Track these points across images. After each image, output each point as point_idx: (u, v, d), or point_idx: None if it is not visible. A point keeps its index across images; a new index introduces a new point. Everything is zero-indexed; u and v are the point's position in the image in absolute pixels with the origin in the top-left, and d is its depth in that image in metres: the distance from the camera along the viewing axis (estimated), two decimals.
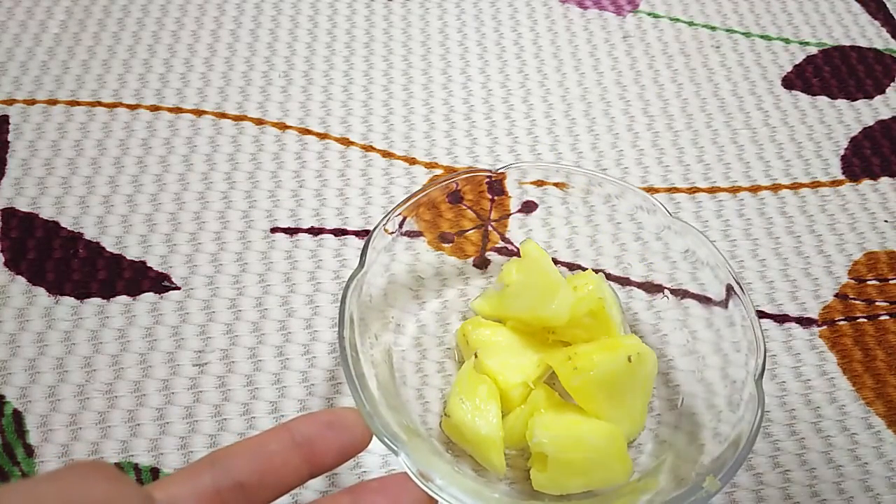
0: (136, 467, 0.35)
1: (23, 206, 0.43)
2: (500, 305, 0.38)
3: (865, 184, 0.48)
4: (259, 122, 0.48)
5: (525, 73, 0.52)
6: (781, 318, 0.42)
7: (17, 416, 0.36)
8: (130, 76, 0.50)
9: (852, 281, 0.44)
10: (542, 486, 0.33)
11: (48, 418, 0.36)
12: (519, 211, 0.42)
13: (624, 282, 0.41)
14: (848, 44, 0.56)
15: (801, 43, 0.56)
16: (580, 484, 0.33)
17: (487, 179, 0.39)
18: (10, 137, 0.46)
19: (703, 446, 0.33)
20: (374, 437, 0.28)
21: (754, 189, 0.47)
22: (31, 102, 0.48)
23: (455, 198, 0.40)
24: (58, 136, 0.46)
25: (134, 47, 0.51)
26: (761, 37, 0.56)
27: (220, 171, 0.46)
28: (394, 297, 0.39)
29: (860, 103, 0.52)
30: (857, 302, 0.43)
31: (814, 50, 0.55)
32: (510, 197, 0.42)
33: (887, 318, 0.42)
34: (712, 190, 0.47)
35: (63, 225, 0.43)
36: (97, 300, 0.40)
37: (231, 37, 0.52)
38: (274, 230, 0.43)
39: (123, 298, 0.40)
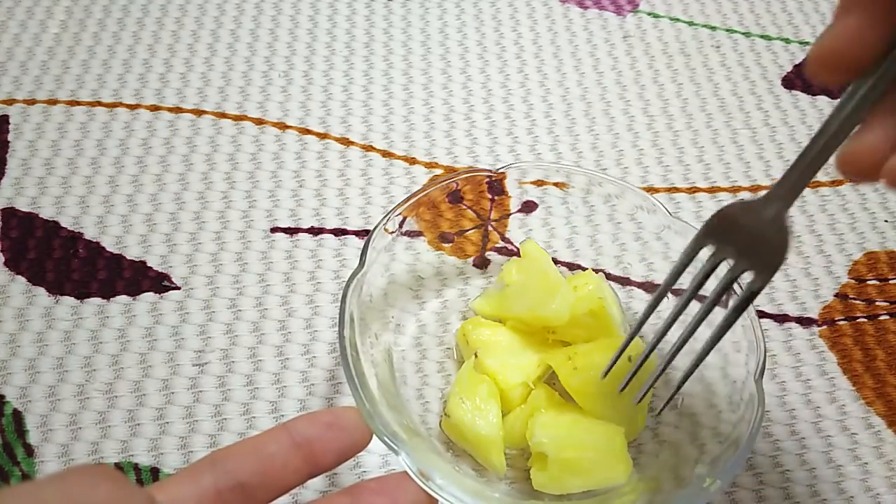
0: (136, 467, 0.35)
1: (23, 206, 0.43)
2: (501, 305, 0.38)
3: (865, 184, 0.48)
4: (259, 122, 0.48)
5: (525, 73, 0.52)
6: (781, 318, 0.42)
7: (17, 416, 0.36)
8: (130, 76, 0.50)
9: (852, 281, 0.44)
10: (543, 486, 0.33)
11: (48, 418, 0.36)
12: (519, 211, 0.42)
13: (624, 282, 0.41)
14: None
15: (801, 43, 0.55)
16: (580, 483, 0.33)
17: (487, 179, 0.39)
18: (10, 137, 0.46)
19: (704, 446, 0.33)
20: (374, 437, 0.28)
21: (754, 189, 0.47)
22: (31, 102, 0.48)
23: (455, 198, 0.40)
24: (58, 136, 0.46)
25: (134, 47, 0.51)
26: (761, 37, 0.56)
27: (220, 171, 0.46)
28: (394, 297, 0.39)
29: None
30: (857, 302, 0.43)
31: None
32: (510, 197, 0.42)
33: (887, 317, 0.42)
34: (712, 190, 0.47)
35: (63, 225, 0.43)
36: (97, 300, 0.40)
37: (231, 37, 0.52)
38: (274, 230, 0.43)
39: (123, 298, 0.40)
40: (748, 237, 0.25)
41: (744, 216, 0.25)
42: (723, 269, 0.36)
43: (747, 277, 0.27)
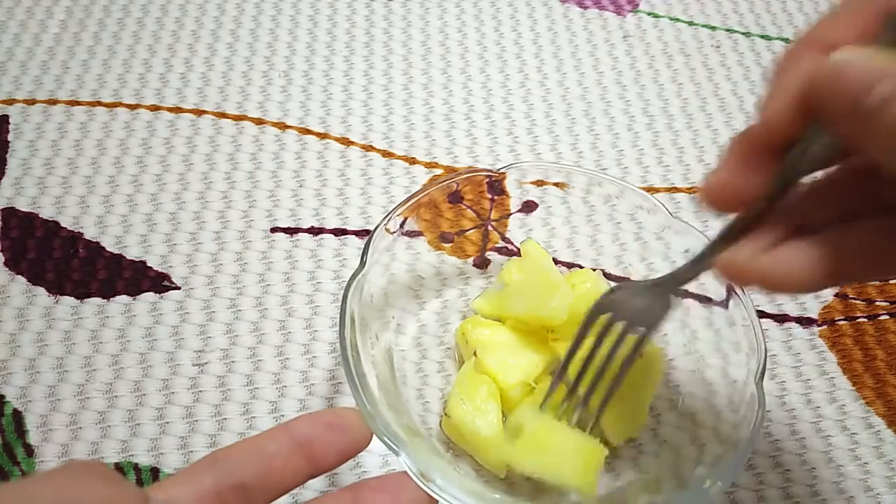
0: (136, 467, 0.35)
1: (23, 206, 0.43)
2: (500, 305, 0.38)
3: None
4: (259, 121, 0.48)
5: (525, 73, 0.52)
6: (781, 318, 0.42)
7: (17, 416, 0.36)
8: (130, 76, 0.50)
9: None
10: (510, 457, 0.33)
11: (48, 418, 0.36)
12: (519, 211, 0.42)
13: (624, 282, 0.41)
14: None
15: None
16: (541, 472, 0.33)
17: (487, 179, 0.39)
18: (10, 137, 0.46)
19: (704, 446, 0.33)
20: (375, 438, 0.28)
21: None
22: (31, 102, 0.48)
23: (455, 198, 0.40)
24: (58, 136, 0.46)
25: (134, 47, 0.51)
26: (761, 37, 0.56)
27: (220, 171, 0.46)
28: (394, 297, 0.39)
29: None
30: (857, 302, 0.43)
31: None
32: (510, 197, 0.42)
33: (887, 317, 0.42)
34: None
35: (63, 225, 0.43)
36: (97, 300, 0.40)
37: (231, 37, 0.52)
38: (274, 230, 0.43)
39: (123, 298, 0.40)
40: (636, 305, 0.31)
41: (632, 293, 0.31)
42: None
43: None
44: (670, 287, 0.30)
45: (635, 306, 0.31)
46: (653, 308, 0.31)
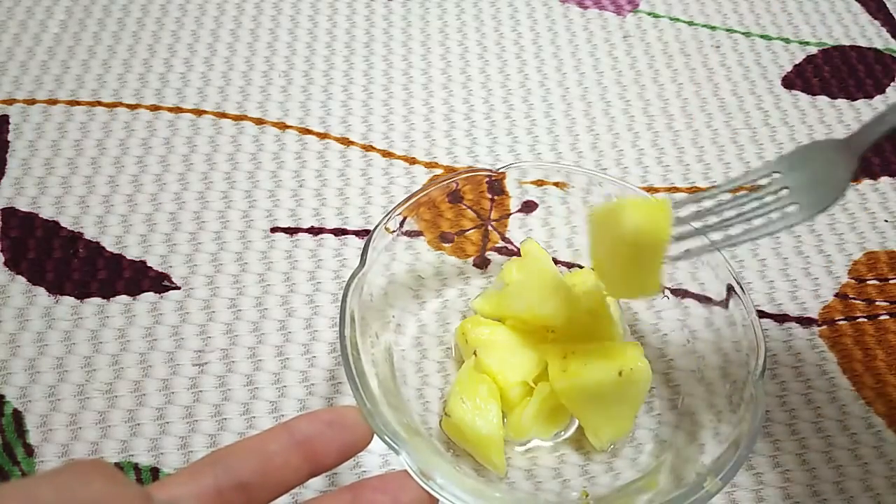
0: (136, 467, 0.35)
1: (23, 205, 0.43)
2: (500, 305, 0.38)
3: (865, 184, 0.48)
4: (259, 121, 0.48)
5: (525, 73, 0.52)
6: (781, 318, 0.42)
7: (17, 416, 0.36)
8: (130, 76, 0.50)
9: (852, 281, 0.44)
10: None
11: (48, 418, 0.36)
12: (519, 211, 0.42)
13: None
14: (848, 44, 0.56)
15: (801, 43, 0.56)
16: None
17: (487, 179, 0.39)
18: (10, 137, 0.46)
19: (704, 446, 0.33)
20: (375, 436, 0.28)
21: (754, 189, 0.47)
22: (31, 102, 0.48)
23: (455, 197, 0.40)
24: (58, 136, 0.46)
25: (134, 47, 0.51)
26: (761, 37, 0.56)
27: (220, 171, 0.46)
28: (394, 297, 0.39)
29: (860, 103, 0.52)
30: (857, 302, 0.43)
31: (814, 50, 0.55)
32: (510, 197, 0.42)
33: (887, 317, 0.42)
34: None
35: (63, 225, 0.43)
36: (97, 300, 0.40)
37: (231, 37, 0.52)
38: (274, 230, 0.43)
39: (123, 298, 0.40)
40: (810, 176, 0.28)
41: (816, 156, 0.28)
42: (720, 265, 0.36)
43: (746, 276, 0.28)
44: (860, 149, 0.27)
45: (808, 175, 0.27)
46: (823, 187, 0.27)
